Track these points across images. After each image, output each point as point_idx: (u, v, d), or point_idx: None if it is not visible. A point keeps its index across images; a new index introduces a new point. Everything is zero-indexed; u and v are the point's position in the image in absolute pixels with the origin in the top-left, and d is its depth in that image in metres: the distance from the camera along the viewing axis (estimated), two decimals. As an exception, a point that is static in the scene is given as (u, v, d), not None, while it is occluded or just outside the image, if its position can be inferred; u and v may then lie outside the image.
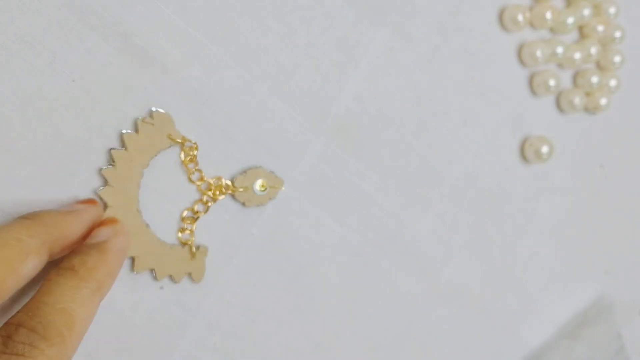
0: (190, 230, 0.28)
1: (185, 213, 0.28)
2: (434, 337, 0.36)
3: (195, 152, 0.28)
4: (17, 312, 0.21)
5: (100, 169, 0.25)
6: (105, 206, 0.25)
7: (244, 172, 0.29)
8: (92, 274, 0.23)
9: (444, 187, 0.35)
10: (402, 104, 0.33)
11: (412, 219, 0.34)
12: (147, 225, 0.27)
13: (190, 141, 0.27)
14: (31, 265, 0.21)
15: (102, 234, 0.24)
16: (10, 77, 0.23)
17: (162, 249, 0.27)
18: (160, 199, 0.27)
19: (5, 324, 0.21)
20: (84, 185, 0.25)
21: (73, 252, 0.24)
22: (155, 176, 0.27)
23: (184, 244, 0.28)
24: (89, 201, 0.25)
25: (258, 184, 0.29)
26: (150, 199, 0.27)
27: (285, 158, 0.30)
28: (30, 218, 0.23)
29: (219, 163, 0.28)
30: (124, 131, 0.26)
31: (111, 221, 0.25)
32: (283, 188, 0.30)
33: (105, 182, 0.25)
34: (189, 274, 0.28)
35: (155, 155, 0.27)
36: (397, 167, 0.33)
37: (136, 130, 0.26)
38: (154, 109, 0.27)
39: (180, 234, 0.28)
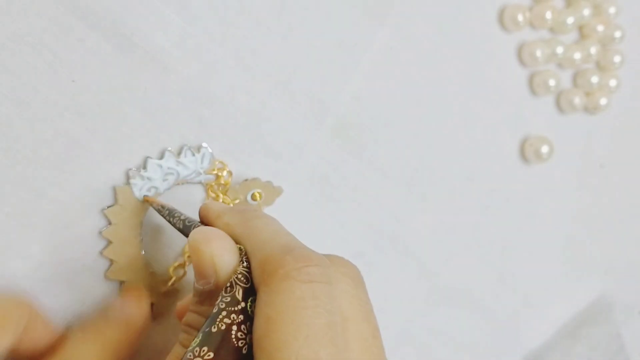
0: (182, 265, 0.27)
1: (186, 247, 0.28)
2: (434, 337, 0.36)
3: (230, 178, 0.28)
4: None
5: (114, 187, 0.25)
6: (108, 223, 0.25)
7: (239, 184, 0.29)
8: (116, 349, 0.23)
9: (444, 187, 0.35)
10: (402, 104, 0.33)
11: (412, 219, 0.34)
12: (143, 252, 0.26)
13: (226, 171, 0.28)
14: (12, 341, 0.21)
15: (127, 308, 0.25)
16: (10, 77, 0.23)
17: (151, 279, 0.27)
18: (162, 229, 0.27)
19: None
20: (83, 185, 0.25)
21: (99, 317, 0.24)
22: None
23: (170, 277, 0.27)
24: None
25: (250, 195, 0.29)
26: (153, 226, 0.27)
27: (285, 158, 0.30)
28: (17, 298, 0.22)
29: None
30: (148, 157, 0.26)
31: (136, 296, 0.25)
32: (280, 196, 0.30)
33: (115, 201, 0.25)
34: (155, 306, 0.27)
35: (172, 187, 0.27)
36: (397, 167, 0.33)
37: (160, 157, 0.26)
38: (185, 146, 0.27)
39: (171, 269, 0.27)
